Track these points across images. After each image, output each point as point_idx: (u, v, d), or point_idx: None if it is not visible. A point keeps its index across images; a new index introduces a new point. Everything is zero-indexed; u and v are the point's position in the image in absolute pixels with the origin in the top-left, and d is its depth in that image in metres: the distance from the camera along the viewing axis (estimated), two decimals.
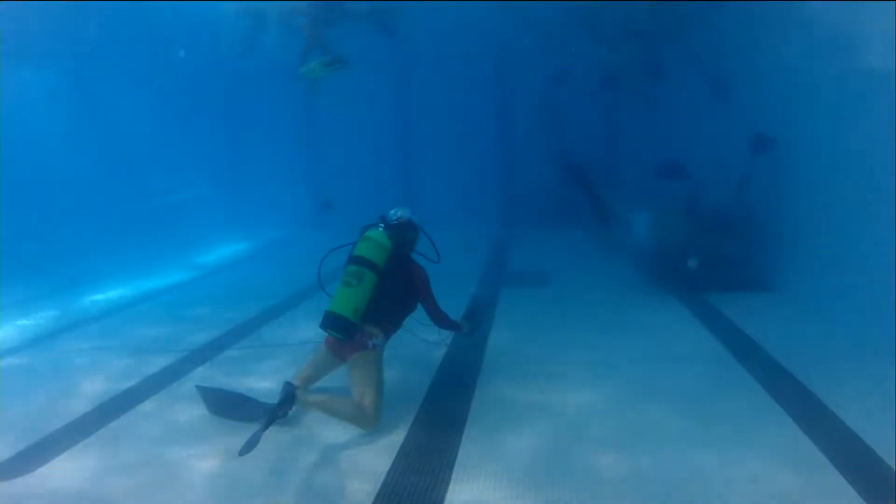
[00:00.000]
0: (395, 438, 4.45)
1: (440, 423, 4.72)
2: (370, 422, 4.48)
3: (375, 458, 4.20)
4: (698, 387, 5.19)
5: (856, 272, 6.13)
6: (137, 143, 15.01)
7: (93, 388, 5.81)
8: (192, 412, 5.05)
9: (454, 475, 3.93)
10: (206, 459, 4.29)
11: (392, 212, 4.96)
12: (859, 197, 6.08)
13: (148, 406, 5.32)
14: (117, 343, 7.31)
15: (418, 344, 5.47)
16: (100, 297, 10.13)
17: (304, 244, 14.53)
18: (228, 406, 4.92)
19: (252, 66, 15.24)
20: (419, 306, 4.95)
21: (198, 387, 5.17)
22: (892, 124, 5.19)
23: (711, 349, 6.16)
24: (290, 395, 4.48)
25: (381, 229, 4.77)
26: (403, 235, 4.88)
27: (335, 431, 4.56)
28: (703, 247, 8.48)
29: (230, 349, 6.81)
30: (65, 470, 4.27)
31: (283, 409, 4.42)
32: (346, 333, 4.50)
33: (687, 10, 10.72)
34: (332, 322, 4.51)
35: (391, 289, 4.69)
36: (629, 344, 6.32)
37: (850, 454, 3.98)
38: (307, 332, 6.82)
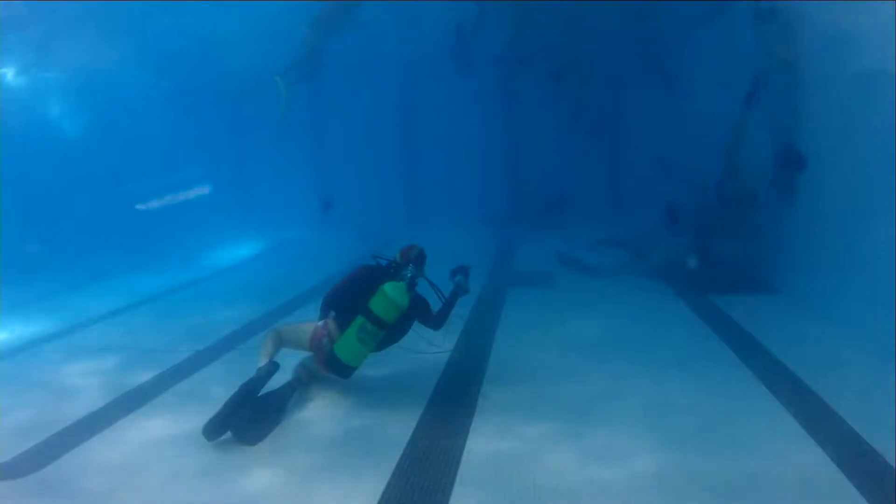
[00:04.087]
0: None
1: None
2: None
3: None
4: (699, 385, 5.20)
5: (857, 272, 6.08)
6: (144, 143, 15.10)
7: (95, 388, 5.85)
8: (196, 417, 5.04)
9: None
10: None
11: (408, 251, 5.13)
12: (860, 197, 6.02)
13: (153, 408, 5.36)
14: (124, 343, 7.33)
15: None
16: (106, 296, 10.14)
17: (312, 244, 14.66)
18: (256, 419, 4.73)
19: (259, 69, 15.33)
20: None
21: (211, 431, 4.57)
22: (893, 124, 5.16)
23: (714, 348, 6.18)
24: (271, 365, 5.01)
25: (403, 285, 4.86)
26: (420, 270, 5.09)
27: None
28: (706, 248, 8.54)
29: (234, 350, 6.86)
30: (69, 469, 4.31)
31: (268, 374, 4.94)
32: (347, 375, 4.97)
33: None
34: (341, 370, 4.89)
35: (393, 331, 4.94)
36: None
37: (851, 453, 3.97)
38: None
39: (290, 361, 5.30)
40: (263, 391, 4.93)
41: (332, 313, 5.03)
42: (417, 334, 5.30)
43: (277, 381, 5.11)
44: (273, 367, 5.00)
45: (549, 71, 13.75)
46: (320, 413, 5.04)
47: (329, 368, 4.94)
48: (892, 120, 5.19)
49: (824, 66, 6.66)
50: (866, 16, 5.36)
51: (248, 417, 4.63)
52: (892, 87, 5.10)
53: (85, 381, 6.05)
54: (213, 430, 4.49)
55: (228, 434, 4.55)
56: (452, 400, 5.21)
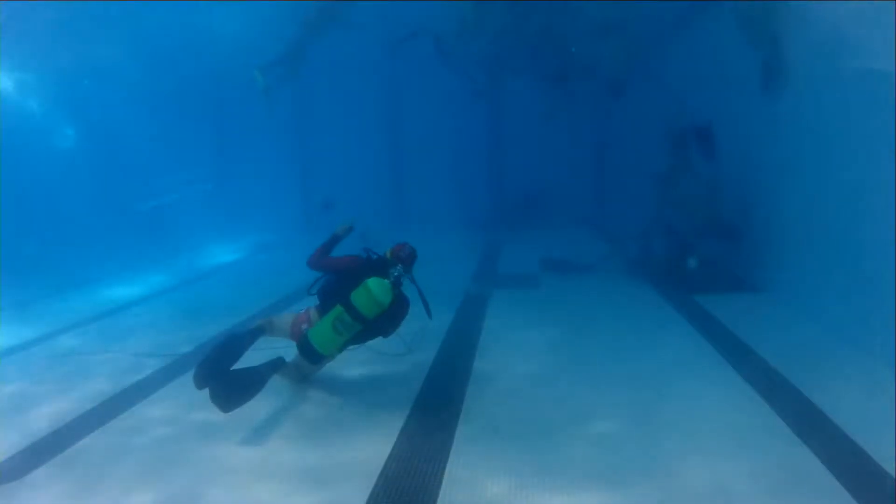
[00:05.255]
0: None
1: None
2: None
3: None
4: (687, 388, 5.15)
5: (854, 272, 5.99)
6: (130, 146, 15.00)
7: (88, 389, 5.82)
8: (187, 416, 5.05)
9: None
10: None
11: (399, 249, 5.09)
12: (857, 194, 5.91)
13: (144, 408, 5.33)
14: (111, 346, 7.28)
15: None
16: (93, 299, 10.13)
17: (295, 247, 14.57)
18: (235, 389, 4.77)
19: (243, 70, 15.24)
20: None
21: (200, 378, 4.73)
22: (892, 123, 5.11)
23: (702, 350, 6.13)
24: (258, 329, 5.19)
25: (387, 283, 4.80)
26: (408, 269, 5.06)
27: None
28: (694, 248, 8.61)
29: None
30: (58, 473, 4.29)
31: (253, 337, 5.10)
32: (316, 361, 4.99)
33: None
34: (311, 355, 4.88)
35: (369, 328, 4.91)
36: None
37: (847, 461, 3.90)
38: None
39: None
40: (247, 365, 4.91)
41: (317, 302, 5.09)
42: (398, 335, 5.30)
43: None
44: (258, 332, 5.15)
45: (550, 74, 13.73)
46: (304, 408, 5.07)
47: (300, 351, 4.94)
48: (890, 118, 5.12)
49: (814, 65, 6.65)
50: (866, 16, 5.36)
51: (227, 384, 4.67)
52: (892, 86, 5.05)
53: None
54: (200, 378, 4.64)
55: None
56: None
